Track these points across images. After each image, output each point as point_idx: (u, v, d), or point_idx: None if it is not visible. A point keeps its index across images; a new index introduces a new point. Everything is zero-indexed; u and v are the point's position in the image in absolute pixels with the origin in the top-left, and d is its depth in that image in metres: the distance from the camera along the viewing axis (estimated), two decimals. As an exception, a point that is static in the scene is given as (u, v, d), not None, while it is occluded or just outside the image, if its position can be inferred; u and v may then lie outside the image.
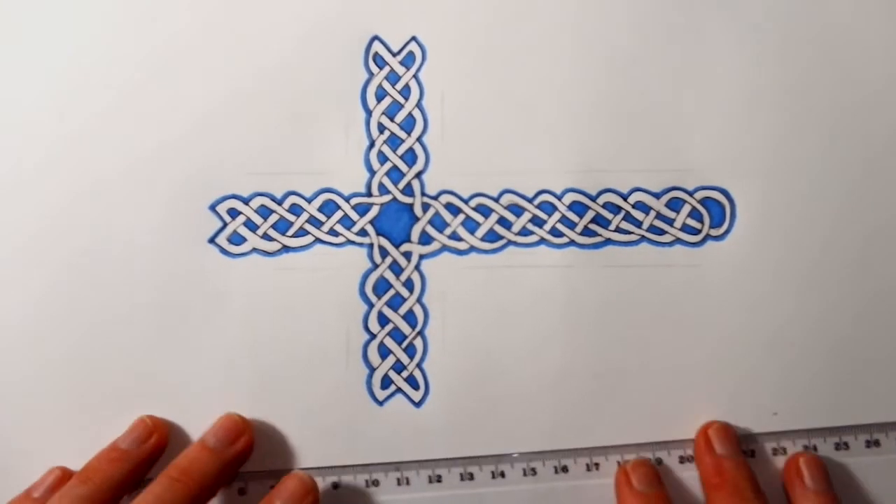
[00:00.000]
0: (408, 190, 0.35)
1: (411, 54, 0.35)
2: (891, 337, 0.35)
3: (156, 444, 0.34)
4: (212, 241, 0.35)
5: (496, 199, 0.35)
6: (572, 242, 0.35)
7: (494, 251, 0.35)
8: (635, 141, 0.35)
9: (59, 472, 0.33)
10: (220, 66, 0.35)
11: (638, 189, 0.35)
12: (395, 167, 0.35)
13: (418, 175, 0.35)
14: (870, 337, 0.35)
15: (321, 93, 0.35)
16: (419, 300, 0.35)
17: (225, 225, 0.35)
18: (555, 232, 0.35)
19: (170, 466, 0.32)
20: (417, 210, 0.35)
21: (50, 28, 0.35)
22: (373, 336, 0.35)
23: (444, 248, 0.35)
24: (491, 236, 0.35)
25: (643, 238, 0.35)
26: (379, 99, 0.35)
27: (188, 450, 0.33)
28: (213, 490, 0.33)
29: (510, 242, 0.35)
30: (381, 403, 0.35)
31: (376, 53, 0.35)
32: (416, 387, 0.35)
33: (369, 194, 0.35)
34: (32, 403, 0.34)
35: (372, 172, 0.35)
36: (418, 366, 0.35)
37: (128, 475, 0.33)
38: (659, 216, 0.35)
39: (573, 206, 0.35)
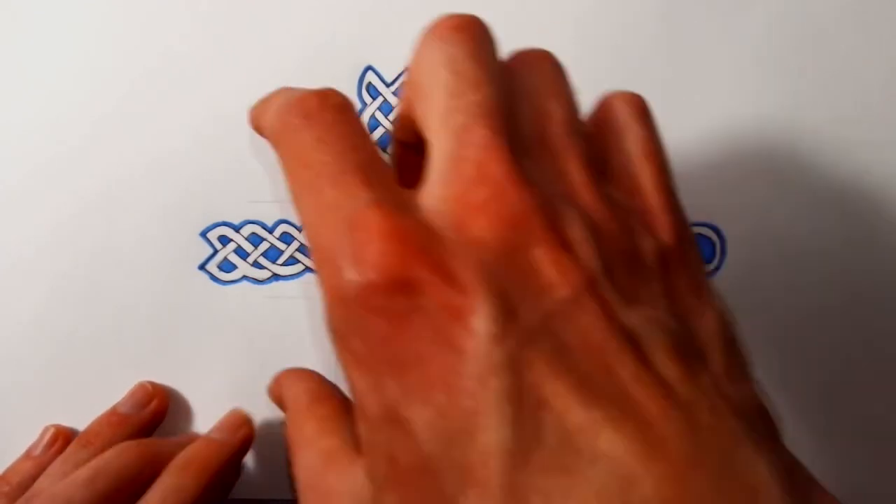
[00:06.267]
0: (399, 221, 0.35)
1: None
2: (885, 379, 0.35)
3: (156, 409, 0.34)
4: (202, 267, 0.35)
5: (487, 232, 0.35)
6: (562, 276, 0.35)
7: (484, 283, 0.35)
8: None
9: (53, 430, 0.34)
10: (214, 94, 0.35)
11: (628, 224, 0.35)
12: (386, 198, 0.35)
13: (409, 206, 0.35)
14: (863, 379, 0.35)
15: (314, 122, 0.35)
16: (408, 331, 0.35)
17: (215, 252, 0.35)
18: (544, 266, 0.35)
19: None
20: (408, 241, 0.35)
21: (47, 52, 0.35)
22: (361, 366, 0.35)
23: (434, 279, 0.35)
24: (481, 269, 0.35)
25: (633, 273, 0.35)
26: (372, 129, 0.35)
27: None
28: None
29: (500, 275, 0.35)
30: (368, 433, 0.35)
31: (370, 83, 0.35)
32: (403, 417, 0.35)
33: (360, 224, 0.35)
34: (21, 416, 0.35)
35: (363, 202, 0.35)
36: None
37: (127, 440, 0.33)
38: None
39: (563, 241, 0.35)
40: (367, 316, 0.18)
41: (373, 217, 0.18)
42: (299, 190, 0.20)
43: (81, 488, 0.30)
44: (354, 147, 0.20)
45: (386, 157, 0.31)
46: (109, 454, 0.31)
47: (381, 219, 0.18)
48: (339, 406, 0.22)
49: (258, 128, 0.24)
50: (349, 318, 0.18)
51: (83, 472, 0.30)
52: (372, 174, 0.19)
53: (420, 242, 0.18)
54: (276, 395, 0.25)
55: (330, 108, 0.21)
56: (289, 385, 0.24)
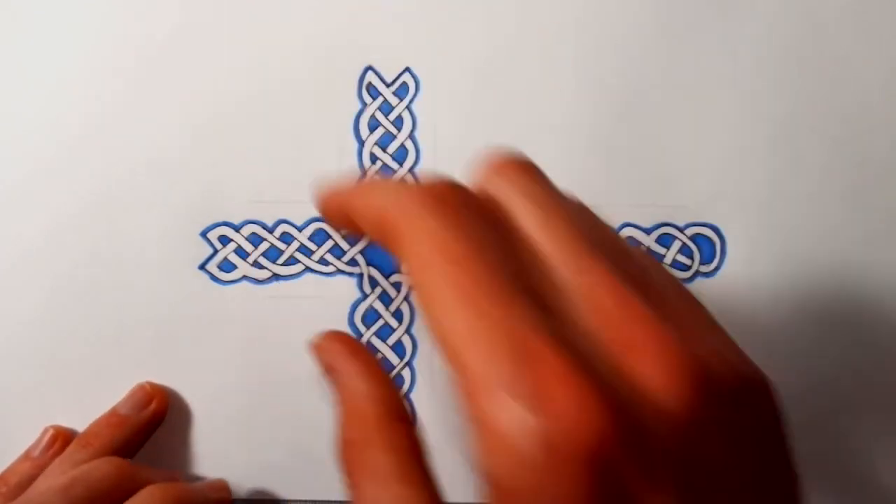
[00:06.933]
0: (399, 221, 0.35)
1: (405, 85, 0.35)
2: (885, 379, 0.35)
3: (155, 410, 0.34)
4: (202, 267, 0.35)
5: (487, 232, 0.35)
6: (562, 276, 0.35)
7: (484, 283, 0.35)
8: (627, 176, 0.35)
9: (53, 431, 0.34)
10: (215, 94, 0.35)
11: (629, 224, 0.35)
12: (386, 198, 0.35)
13: (409, 206, 0.35)
14: (863, 379, 0.35)
15: (314, 122, 0.35)
16: (408, 331, 0.35)
17: (216, 252, 0.35)
18: (545, 266, 0.35)
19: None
20: (408, 241, 0.35)
21: (47, 52, 0.35)
22: (361, 366, 0.35)
23: (434, 279, 0.35)
24: (481, 269, 0.35)
25: (633, 273, 0.35)
26: (371, 129, 0.35)
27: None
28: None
29: (500, 275, 0.35)
30: (368, 433, 0.35)
31: (370, 84, 0.35)
32: (403, 417, 0.35)
33: (360, 224, 0.35)
34: (21, 416, 0.35)
35: (363, 202, 0.35)
36: (406, 396, 0.35)
37: (127, 441, 0.33)
38: (649, 252, 0.35)
39: (563, 241, 0.35)
40: (555, 479, 0.14)
41: (547, 351, 0.15)
42: (441, 290, 0.17)
43: (57, 495, 0.30)
44: (493, 248, 0.17)
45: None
46: (88, 466, 0.31)
47: (557, 357, 0.15)
48: (414, 436, 0.19)
49: (347, 211, 0.21)
50: (525, 474, 0.15)
51: (62, 480, 0.31)
52: (515, 282, 0.16)
53: (620, 414, 0.15)
54: (326, 362, 0.22)
55: (461, 202, 0.18)
56: (350, 374, 0.21)
